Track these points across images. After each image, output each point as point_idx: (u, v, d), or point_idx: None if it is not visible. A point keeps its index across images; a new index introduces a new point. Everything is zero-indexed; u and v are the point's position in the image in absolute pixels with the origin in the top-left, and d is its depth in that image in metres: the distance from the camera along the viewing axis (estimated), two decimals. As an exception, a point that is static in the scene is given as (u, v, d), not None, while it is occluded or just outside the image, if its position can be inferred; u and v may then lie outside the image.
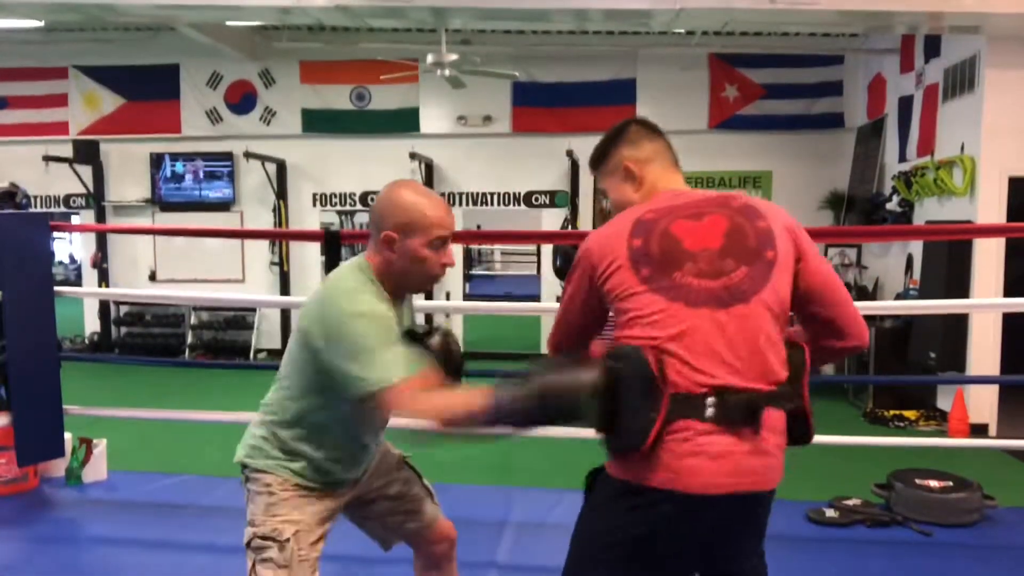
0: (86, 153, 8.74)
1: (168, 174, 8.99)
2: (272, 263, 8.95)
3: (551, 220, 8.74)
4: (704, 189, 8.37)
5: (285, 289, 8.81)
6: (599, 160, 1.88)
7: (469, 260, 10.43)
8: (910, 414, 6.21)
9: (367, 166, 8.76)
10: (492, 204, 8.78)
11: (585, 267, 1.71)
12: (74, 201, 9.12)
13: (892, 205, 6.96)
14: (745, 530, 1.68)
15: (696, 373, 1.53)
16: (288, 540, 1.91)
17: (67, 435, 4.11)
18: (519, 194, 8.79)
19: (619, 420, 1.55)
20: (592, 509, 1.71)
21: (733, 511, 1.59)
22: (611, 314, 1.71)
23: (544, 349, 1.94)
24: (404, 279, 1.86)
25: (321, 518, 2.02)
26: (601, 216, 8.63)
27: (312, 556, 1.97)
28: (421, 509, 2.26)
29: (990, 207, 5.75)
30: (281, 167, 8.79)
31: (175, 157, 8.94)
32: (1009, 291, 5.64)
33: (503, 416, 1.58)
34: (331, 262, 3.78)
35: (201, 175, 8.96)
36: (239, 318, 9.02)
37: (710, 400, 1.51)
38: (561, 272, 8.08)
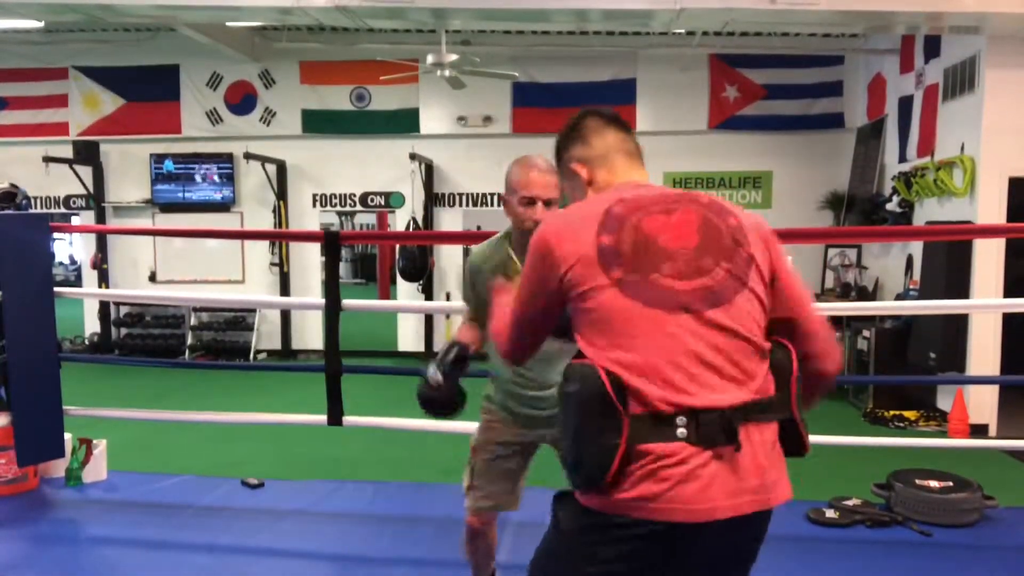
0: (86, 154, 8.74)
1: (168, 175, 8.98)
2: (272, 264, 8.95)
3: (551, 220, 8.72)
4: (693, 189, 8.41)
5: (285, 290, 8.81)
6: (556, 161, 1.76)
7: (469, 260, 10.36)
8: (910, 414, 6.21)
9: (367, 167, 8.76)
10: (492, 205, 8.78)
11: (548, 261, 1.50)
12: (74, 202, 9.12)
13: (892, 205, 6.95)
14: (735, 558, 1.53)
15: (669, 389, 1.38)
16: (472, 451, 2.52)
17: (67, 435, 4.11)
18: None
19: (578, 449, 1.42)
20: (561, 536, 1.54)
21: (722, 538, 1.44)
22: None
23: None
24: (519, 233, 2.27)
25: (499, 442, 2.48)
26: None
27: (487, 466, 2.49)
28: None
29: (990, 207, 5.75)
30: (281, 168, 8.79)
31: (174, 158, 8.94)
32: (1009, 291, 5.64)
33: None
34: (331, 263, 3.78)
35: (201, 176, 8.95)
36: (239, 319, 9.02)
37: (681, 419, 1.37)
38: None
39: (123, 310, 9.18)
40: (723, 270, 1.46)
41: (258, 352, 8.92)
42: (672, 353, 1.40)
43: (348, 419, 3.75)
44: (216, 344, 8.96)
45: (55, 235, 4.68)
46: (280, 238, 8.81)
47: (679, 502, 1.37)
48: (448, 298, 8.80)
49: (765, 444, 1.45)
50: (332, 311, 3.63)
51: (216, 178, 8.94)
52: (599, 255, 1.45)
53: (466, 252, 10.85)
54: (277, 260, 8.89)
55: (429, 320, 8.90)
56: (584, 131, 1.67)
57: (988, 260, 5.75)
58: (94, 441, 4.28)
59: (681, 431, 1.37)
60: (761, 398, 1.44)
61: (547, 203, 2.24)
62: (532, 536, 3.90)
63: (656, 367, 1.39)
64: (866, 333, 6.68)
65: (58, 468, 4.24)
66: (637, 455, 1.38)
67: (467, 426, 2.91)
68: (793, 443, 1.53)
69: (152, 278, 9.10)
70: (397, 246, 9.24)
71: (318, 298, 4.83)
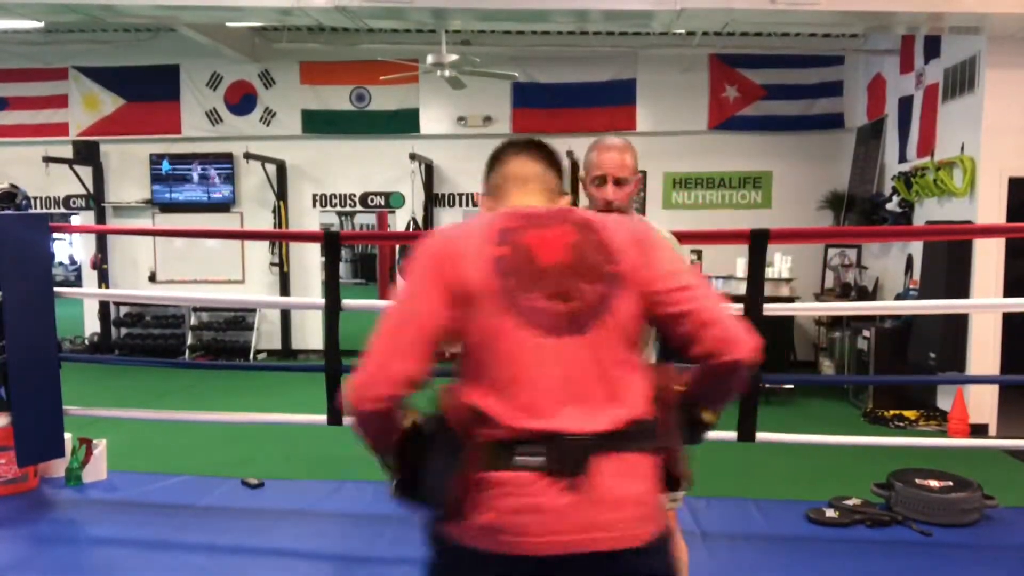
0: (86, 154, 8.74)
1: (168, 175, 8.98)
2: (272, 264, 8.95)
3: (551, 220, 8.72)
4: (692, 189, 8.39)
5: (285, 290, 8.81)
6: None
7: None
8: (910, 414, 6.20)
9: (367, 167, 8.76)
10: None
11: (437, 266, 1.40)
12: (74, 202, 9.12)
13: (892, 205, 6.95)
14: None
15: (524, 414, 1.32)
16: None
17: (67, 435, 4.11)
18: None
19: (429, 476, 1.38)
20: (429, 566, 1.47)
21: (579, 573, 1.33)
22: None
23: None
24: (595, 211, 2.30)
25: None
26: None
27: None
28: None
29: (990, 207, 5.75)
30: (281, 168, 8.79)
31: (174, 159, 8.94)
32: (1009, 291, 5.63)
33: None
34: (331, 263, 3.78)
35: (201, 176, 8.95)
36: (239, 319, 9.02)
37: (536, 447, 1.30)
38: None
39: (123, 310, 9.18)
40: (592, 291, 1.37)
41: (258, 352, 8.91)
42: (533, 377, 1.34)
43: (348, 419, 3.74)
44: (216, 344, 8.96)
45: (55, 235, 4.68)
46: (280, 238, 8.80)
47: (527, 534, 1.30)
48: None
49: (627, 476, 1.34)
50: (332, 311, 3.63)
51: (216, 178, 8.94)
52: (495, 266, 1.39)
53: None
54: (277, 260, 8.89)
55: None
56: (493, 161, 1.61)
57: (988, 260, 5.75)
58: (94, 441, 4.28)
59: (534, 459, 1.31)
60: (625, 427, 1.34)
61: (618, 182, 2.27)
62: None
63: (515, 391, 1.34)
64: (866, 333, 6.68)
65: (58, 468, 4.24)
66: (487, 484, 1.31)
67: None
68: (668, 477, 1.43)
69: (152, 278, 9.10)
70: (397, 246, 9.24)
71: (318, 298, 4.83)
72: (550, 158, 1.60)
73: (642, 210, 8.50)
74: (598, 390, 1.36)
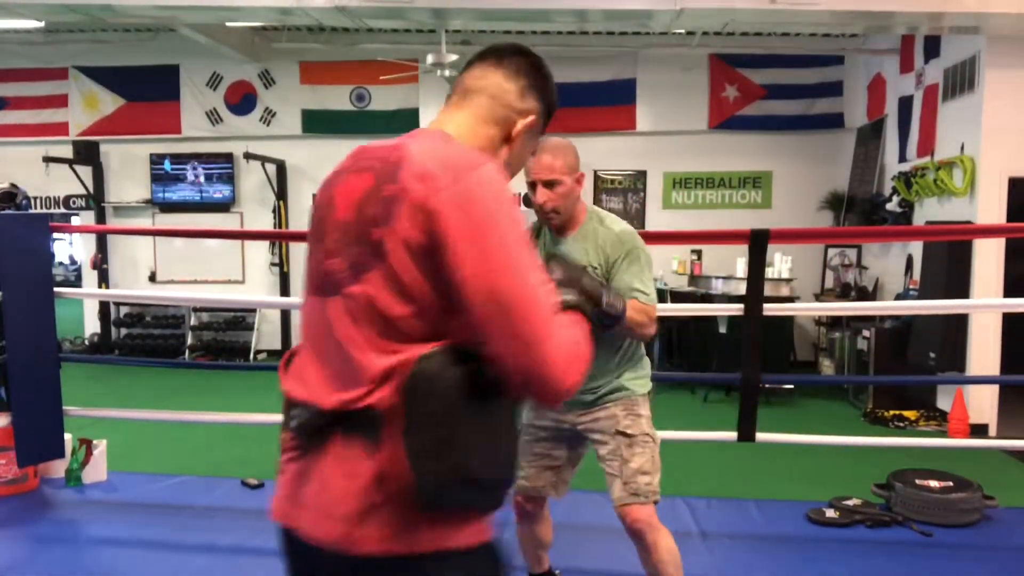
0: (86, 154, 8.74)
1: (168, 175, 8.98)
2: (272, 264, 8.95)
3: (551, 220, 8.72)
4: (692, 190, 8.38)
5: (285, 290, 8.81)
6: None
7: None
8: (910, 414, 6.21)
9: (367, 167, 8.73)
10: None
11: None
12: (74, 202, 9.12)
13: (892, 205, 6.96)
14: None
15: (294, 377, 1.28)
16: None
17: (67, 436, 4.11)
18: (518, 194, 8.75)
19: None
20: None
21: (299, 556, 1.25)
22: None
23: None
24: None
25: (536, 424, 2.54)
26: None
27: (527, 447, 2.53)
28: (610, 485, 2.44)
29: (990, 207, 5.75)
30: (281, 168, 8.79)
31: (174, 158, 8.94)
32: (1009, 291, 5.64)
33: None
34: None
35: (201, 176, 8.95)
36: (239, 319, 9.02)
37: (295, 411, 1.25)
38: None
39: (123, 310, 9.18)
40: (357, 251, 1.19)
41: (258, 352, 8.91)
42: (304, 338, 1.29)
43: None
44: (216, 344, 8.96)
45: (55, 235, 4.69)
46: (280, 238, 8.80)
47: (274, 498, 1.27)
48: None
49: (339, 459, 1.17)
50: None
51: (216, 178, 8.94)
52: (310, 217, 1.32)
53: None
54: (277, 260, 8.89)
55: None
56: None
57: (988, 260, 5.75)
58: (94, 441, 4.28)
59: (292, 423, 1.25)
60: (357, 408, 1.15)
61: (547, 184, 2.31)
62: (532, 536, 3.86)
63: (300, 352, 1.30)
64: (866, 333, 6.68)
65: (58, 468, 4.23)
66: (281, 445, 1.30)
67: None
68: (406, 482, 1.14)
69: (152, 278, 9.10)
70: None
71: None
72: (512, 66, 1.35)
73: (642, 210, 8.52)
74: (339, 362, 1.19)
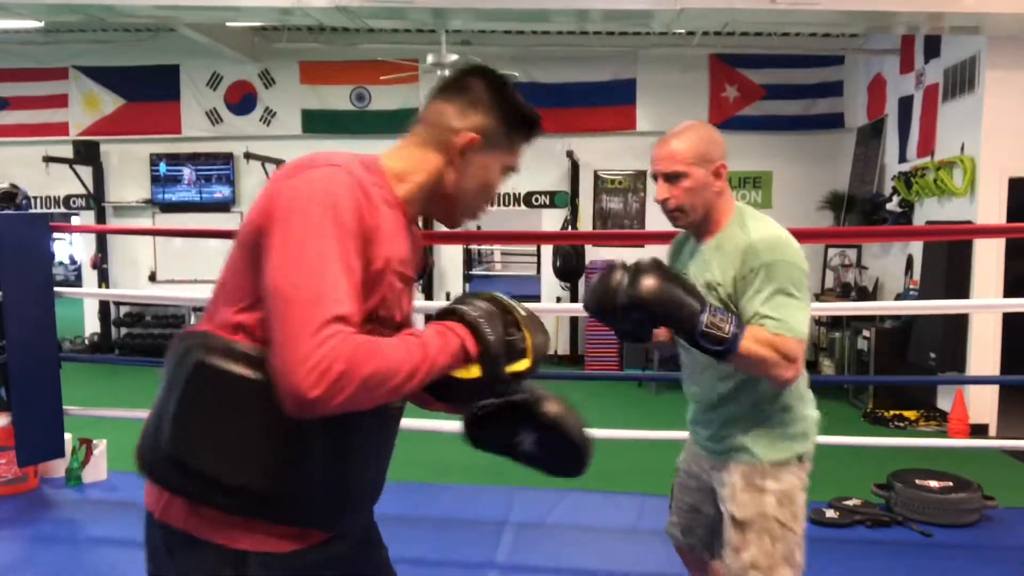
0: (86, 154, 8.73)
1: (168, 175, 8.98)
2: (272, 264, 8.94)
3: (551, 220, 8.73)
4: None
5: (285, 290, 8.80)
6: None
7: (469, 260, 10.42)
8: (910, 414, 6.21)
9: (367, 167, 8.74)
10: (492, 204, 8.77)
11: None
12: (74, 202, 9.12)
13: (892, 205, 6.96)
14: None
15: None
16: None
17: (67, 436, 4.12)
18: (519, 194, 8.78)
19: None
20: None
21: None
22: None
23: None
24: None
25: (682, 468, 2.18)
26: (600, 217, 8.63)
27: (675, 488, 2.20)
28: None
29: (990, 207, 5.75)
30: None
31: (174, 158, 8.94)
32: (1009, 291, 5.64)
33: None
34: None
35: (202, 176, 8.96)
36: (239, 319, 9.00)
37: None
38: (561, 272, 8.10)
39: (123, 310, 9.18)
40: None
41: (258, 352, 8.90)
42: None
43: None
44: (216, 344, 8.94)
45: (55, 235, 4.68)
46: (280, 238, 8.79)
47: None
48: (448, 298, 8.79)
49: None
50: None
51: (216, 178, 8.95)
52: None
53: (466, 251, 10.93)
54: (277, 260, 8.89)
55: (429, 320, 8.88)
56: None
57: (988, 260, 5.76)
58: (94, 441, 4.28)
59: None
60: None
61: (668, 177, 1.92)
62: (532, 536, 3.91)
63: None
64: (866, 333, 6.68)
65: (58, 468, 4.24)
66: None
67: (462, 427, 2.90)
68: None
69: (152, 278, 9.10)
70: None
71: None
72: (456, 87, 1.34)
73: (642, 210, 8.52)
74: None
